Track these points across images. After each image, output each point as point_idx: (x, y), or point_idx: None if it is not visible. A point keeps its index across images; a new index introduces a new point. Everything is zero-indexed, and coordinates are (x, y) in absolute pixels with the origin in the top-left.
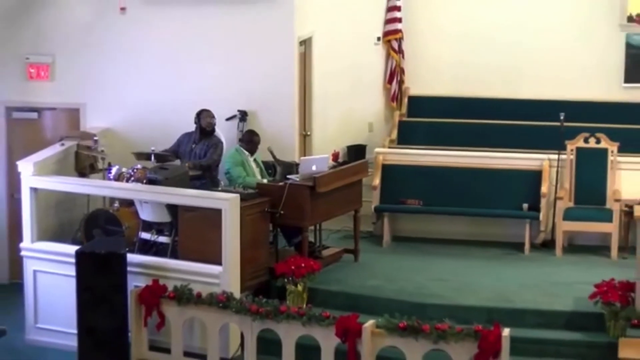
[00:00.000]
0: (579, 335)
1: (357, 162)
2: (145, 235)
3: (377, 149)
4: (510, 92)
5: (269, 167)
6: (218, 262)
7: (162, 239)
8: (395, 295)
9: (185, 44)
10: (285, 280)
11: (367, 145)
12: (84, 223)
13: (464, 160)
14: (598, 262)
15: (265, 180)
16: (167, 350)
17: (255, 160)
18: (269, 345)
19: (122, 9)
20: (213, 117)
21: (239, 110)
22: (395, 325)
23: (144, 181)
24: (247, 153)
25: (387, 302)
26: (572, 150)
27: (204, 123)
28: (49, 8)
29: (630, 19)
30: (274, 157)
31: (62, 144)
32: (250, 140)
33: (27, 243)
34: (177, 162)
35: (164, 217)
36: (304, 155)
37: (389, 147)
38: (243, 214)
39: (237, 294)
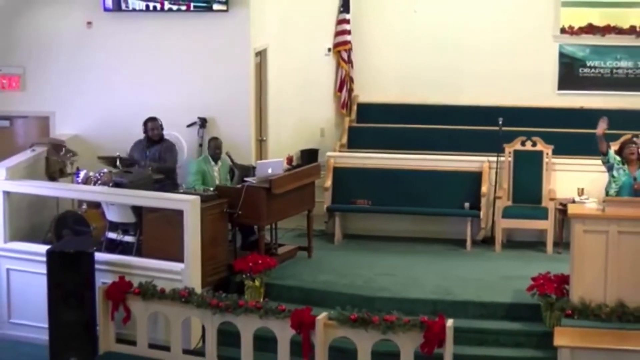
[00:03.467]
0: (517, 325)
1: (310, 165)
2: (111, 235)
3: (329, 153)
4: (452, 99)
5: (228, 171)
6: (180, 259)
7: (128, 238)
8: (346, 289)
9: (149, 55)
10: (244, 276)
11: (319, 149)
12: (54, 224)
13: (409, 163)
14: (535, 256)
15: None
16: (133, 343)
17: (220, 168)
18: (228, 337)
19: (89, 23)
20: (158, 127)
21: (199, 117)
22: (346, 317)
23: (110, 184)
24: (212, 162)
25: (339, 295)
26: (510, 152)
27: (150, 133)
28: (19, 23)
29: (563, 30)
30: (232, 161)
31: (33, 150)
32: (209, 147)
33: (1, 243)
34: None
35: (129, 218)
36: (260, 159)
37: (340, 151)
38: (203, 214)
39: (198, 290)
